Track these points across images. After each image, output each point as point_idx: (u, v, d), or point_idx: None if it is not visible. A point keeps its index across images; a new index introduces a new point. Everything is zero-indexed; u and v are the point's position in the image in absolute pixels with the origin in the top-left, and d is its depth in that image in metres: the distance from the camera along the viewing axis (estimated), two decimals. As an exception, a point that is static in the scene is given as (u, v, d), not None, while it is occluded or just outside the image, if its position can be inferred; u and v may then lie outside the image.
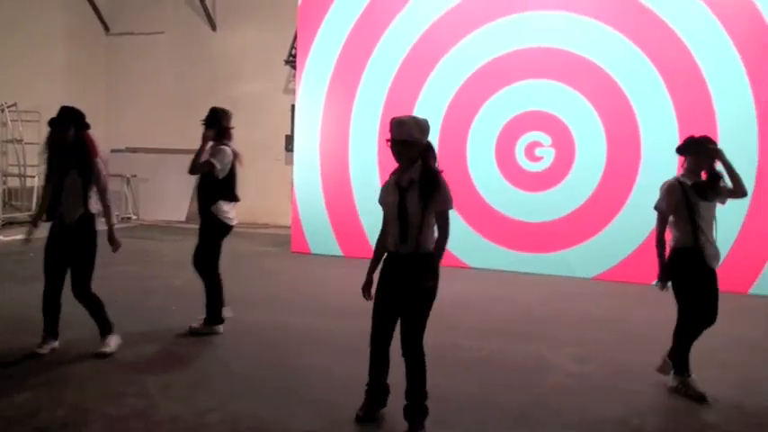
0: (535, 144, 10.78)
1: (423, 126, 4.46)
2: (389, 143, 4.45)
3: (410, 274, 4.42)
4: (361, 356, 4.78)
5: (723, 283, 5.60)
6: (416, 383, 4.52)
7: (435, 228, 4.50)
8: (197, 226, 7.16)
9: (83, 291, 5.89)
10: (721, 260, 5.64)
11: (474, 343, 6.72)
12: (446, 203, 4.44)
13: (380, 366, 4.68)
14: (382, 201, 4.61)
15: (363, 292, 4.69)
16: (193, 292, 8.54)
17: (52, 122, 5.83)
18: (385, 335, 4.60)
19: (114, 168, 16.69)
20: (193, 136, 16.52)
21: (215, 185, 6.79)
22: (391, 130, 4.44)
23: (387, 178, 4.61)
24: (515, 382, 5.62)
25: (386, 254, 4.62)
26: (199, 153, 6.79)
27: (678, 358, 5.53)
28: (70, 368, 5.65)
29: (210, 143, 6.87)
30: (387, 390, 4.75)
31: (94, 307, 5.99)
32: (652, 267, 10.08)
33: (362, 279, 4.71)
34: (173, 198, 16.38)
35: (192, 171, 6.83)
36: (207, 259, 6.94)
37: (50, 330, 5.97)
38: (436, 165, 4.50)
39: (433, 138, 4.58)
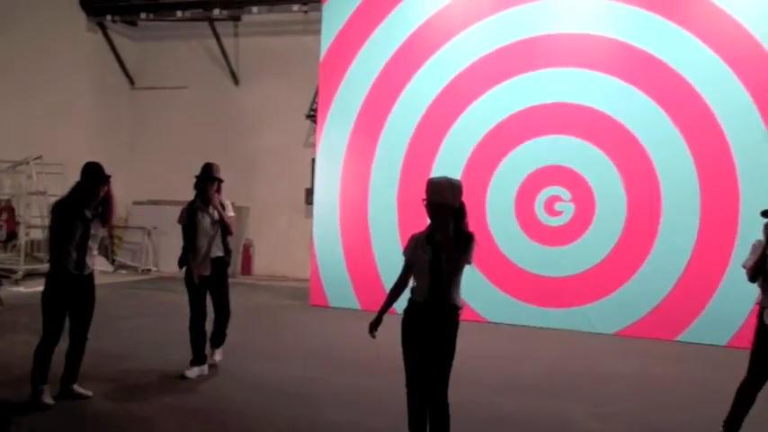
0: (555, 199, 10.78)
1: (457, 189, 4.64)
2: (425, 203, 4.60)
3: (438, 327, 4.59)
4: (382, 411, 4.73)
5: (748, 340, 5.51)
6: (443, 430, 4.62)
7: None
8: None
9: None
10: None
11: (493, 399, 6.64)
12: (471, 260, 4.62)
13: (422, 417, 4.71)
14: (409, 253, 4.75)
15: (371, 328, 4.81)
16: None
17: (105, 177, 6.07)
18: (422, 383, 4.67)
19: (136, 220, 16.89)
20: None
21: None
22: (427, 191, 4.60)
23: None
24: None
25: (411, 304, 4.73)
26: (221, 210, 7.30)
27: (730, 419, 5.43)
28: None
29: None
30: None
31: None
32: (673, 323, 10.08)
33: (380, 333, 4.72)
34: (193, 250, 16.41)
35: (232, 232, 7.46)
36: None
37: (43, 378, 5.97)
38: (466, 225, 4.66)
39: (462, 195, 4.69)
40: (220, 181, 7.48)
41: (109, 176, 6.08)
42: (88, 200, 5.96)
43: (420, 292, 4.66)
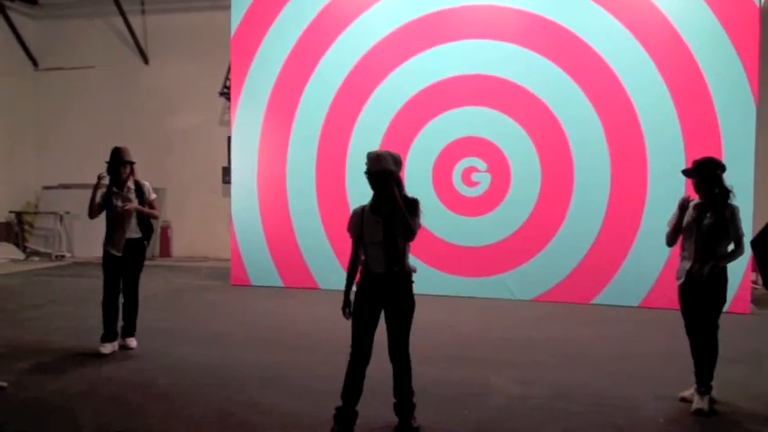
0: (472, 170, 10.92)
1: (398, 160, 4.84)
2: (367, 175, 4.77)
3: (397, 291, 4.91)
4: (308, 391, 4.74)
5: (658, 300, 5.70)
6: (407, 382, 5.01)
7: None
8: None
9: None
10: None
11: (416, 369, 6.71)
12: (418, 226, 4.93)
13: (357, 388, 4.91)
14: (355, 229, 4.92)
15: (343, 311, 4.96)
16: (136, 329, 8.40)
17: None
18: (366, 353, 4.91)
19: (47, 206, 16.39)
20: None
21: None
22: (368, 164, 4.77)
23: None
24: (459, 408, 5.64)
25: (366, 275, 4.92)
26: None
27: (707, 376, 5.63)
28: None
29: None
30: (355, 415, 4.93)
31: None
32: (588, 288, 10.40)
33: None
34: (108, 234, 16.04)
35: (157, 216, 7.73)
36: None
37: None
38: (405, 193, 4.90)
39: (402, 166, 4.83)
40: (132, 163, 7.42)
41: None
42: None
43: (376, 263, 4.84)
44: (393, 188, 4.74)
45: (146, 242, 7.49)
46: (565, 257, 10.47)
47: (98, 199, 7.23)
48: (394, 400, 5.04)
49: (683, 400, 5.76)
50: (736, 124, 9.78)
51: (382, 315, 4.97)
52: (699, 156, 9.58)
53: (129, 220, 7.26)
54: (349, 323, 4.96)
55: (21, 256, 15.79)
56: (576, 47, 10.42)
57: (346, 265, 5.08)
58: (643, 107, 10.17)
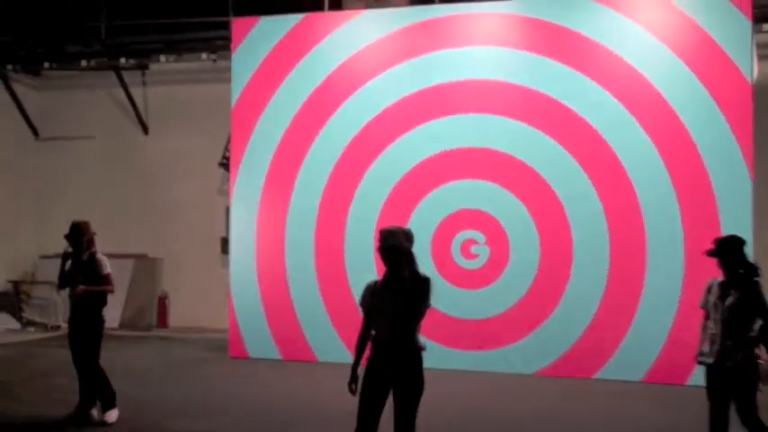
0: (470, 242, 10.93)
1: (410, 235, 4.99)
2: (379, 251, 4.88)
3: (406, 367, 4.84)
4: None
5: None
6: None
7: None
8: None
9: None
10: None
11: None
12: (427, 306, 4.93)
13: None
14: (366, 303, 4.95)
15: (349, 386, 4.94)
16: (127, 403, 8.29)
17: None
18: (373, 424, 4.85)
19: (44, 275, 16.30)
20: (126, 239, 16.37)
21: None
22: (381, 240, 4.89)
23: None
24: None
25: (375, 350, 4.90)
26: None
27: None
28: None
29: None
30: None
31: None
32: (590, 361, 10.33)
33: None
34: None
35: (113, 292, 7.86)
36: (96, 356, 7.61)
37: None
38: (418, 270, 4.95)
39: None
40: (91, 238, 7.81)
41: None
42: None
43: (382, 339, 4.85)
44: (403, 264, 4.84)
45: (97, 312, 7.63)
46: (566, 330, 10.41)
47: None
48: None
49: None
50: (733, 201, 9.85)
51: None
52: (697, 231, 9.77)
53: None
54: (351, 397, 4.92)
55: (17, 326, 15.65)
56: (573, 122, 10.55)
57: (344, 337, 5.15)
58: (641, 183, 10.24)
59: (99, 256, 7.66)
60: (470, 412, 8.24)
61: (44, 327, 15.64)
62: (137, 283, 16.31)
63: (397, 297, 4.81)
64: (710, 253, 5.72)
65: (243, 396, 9.00)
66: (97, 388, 7.52)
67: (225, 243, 14.28)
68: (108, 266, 7.64)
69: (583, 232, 10.44)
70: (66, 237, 7.67)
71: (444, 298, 10.76)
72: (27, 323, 15.94)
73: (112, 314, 15.76)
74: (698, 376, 9.54)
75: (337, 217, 11.34)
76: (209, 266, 15.77)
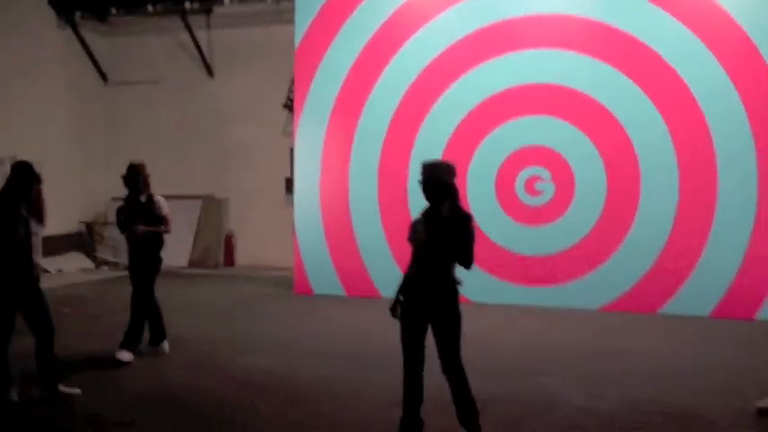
0: (535, 178, 10.81)
1: (452, 169, 4.90)
2: (421, 184, 4.83)
3: (440, 301, 4.83)
4: (374, 400, 4.73)
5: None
6: (465, 392, 4.88)
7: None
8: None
9: None
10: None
11: (482, 382, 6.64)
12: (472, 240, 4.93)
13: (415, 395, 4.93)
14: (411, 237, 4.95)
15: (391, 311, 5.02)
16: (199, 339, 8.55)
17: (37, 176, 6.03)
18: (417, 358, 4.91)
19: (114, 216, 16.74)
20: (193, 181, 16.68)
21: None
22: (423, 172, 4.84)
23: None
24: (525, 420, 5.57)
25: (411, 283, 4.93)
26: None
27: None
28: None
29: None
30: (421, 423, 4.95)
31: None
32: (656, 296, 10.19)
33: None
34: (174, 244, 16.30)
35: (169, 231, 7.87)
36: (145, 293, 7.66)
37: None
38: (460, 205, 4.89)
39: (456, 176, 4.89)
40: (148, 177, 7.83)
41: (39, 175, 6.03)
42: (22, 199, 5.89)
43: (420, 272, 4.85)
44: (442, 197, 4.79)
45: (154, 252, 7.74)
46: (632, 266, 10.26)
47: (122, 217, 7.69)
48: (456, 410, 4.94)
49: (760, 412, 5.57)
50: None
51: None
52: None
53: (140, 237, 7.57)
54: None
55: (91, 265, 16.18)
56: (641, 53, 10.23)
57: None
58: (712, 113, 9.91)
59: (157, 197, 7.74)
60: (533, 347, 8.24)
61: (116, 266, 16.12)
62: (204, 222, 16.66)
63: (435, 231, 4.77)
64: None
65: (309, 331, 9.18)
66: (139, 325, 7.57)
67: (289, 183, 14.42)
68: (167, 207, 7.74)
69: (651, 165, 10.20)
70: (123, 178, 7.71)
71: (509, 235, 10.78)
72: (100, 263, 16.45)
73: (181, 253, 16.23)
74: (767, 311, 9.50)
75: (401, 155, 11.30)
76: (275, 206, 15.98)
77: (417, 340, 4.87)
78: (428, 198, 4.84)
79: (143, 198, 7.63)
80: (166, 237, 7.81)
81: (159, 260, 7.76)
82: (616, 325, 9.39)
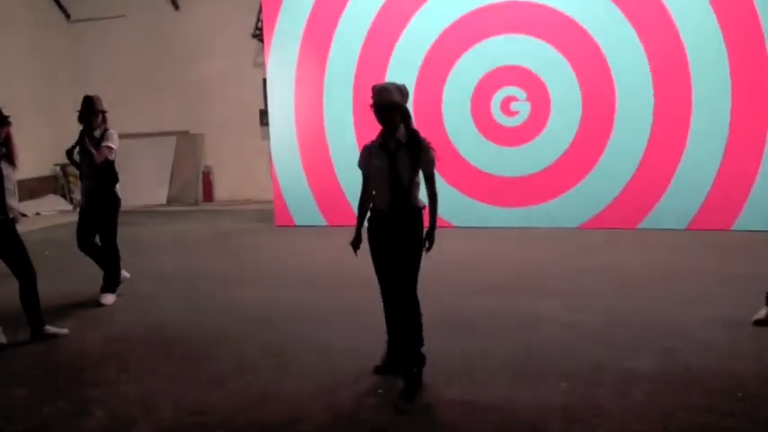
0: (510, 99, 10.76)
1: (404, 91, 4.66)
2: (373, 108, 4.63)
3: (403, 230, 4.67)
4: (353, 327, 4.78)
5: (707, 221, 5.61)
6: (414, 330, 4.73)
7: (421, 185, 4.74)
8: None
9: None
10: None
11: (464, 301, 6.76)
12: (433, 165, 4.67)
13: (397, 321, 4.84)
14: (365, 164, 4.78)
15: (353, 247, 4.92)
16: (182, 275, 8.56)
17: (4, 118, 5.86)
18: (392, 284, 4.78)
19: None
20: (165, 118, 16.46)
21: (112, 167, 7.36)
22: (374, 96, 4.62)
23: (364, 143, 4.74)
24: (509, 336, 5.66)
25: (374, 212, 4.79)
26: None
27: None
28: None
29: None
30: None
31: None
32: (634, 212, 10.28)
33: (347, 248, 4.82)
34: (151, 182, 16.27)
35: (99, 161, 7.19)
36: (113, 236, 7.33)
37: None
38: (414, 128, 4.69)
39: (408, 99, 4.70)
40: (104, 112, 7.34)
41: (7, 117, 5.85)
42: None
43: (381, 200, 4.71)
44: (397, 120, 4.60)
45: (107, 189, 7.32)
46: (608, 183, 10.35)
47: (74, 155, 7.39)
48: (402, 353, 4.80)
49: (758, 323, 5.65)
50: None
51: None
52: (744, 70, 9.48)
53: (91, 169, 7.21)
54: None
55: (68, 206, 16.07)
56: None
57: None
58: (686, 28, 9.84)
59: (111, 131, 7.28)
60: (515, 267, 8.34)
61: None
62: (180, 159, 16.54)
63: (393, 159, 4.61)
64: None
65: (291, 262, 9.22)
66: (115, 266, 7.37)
67: (264, 115, 14.28)
68: (113, 141, 7.21)
69: (626, 83, 10.17)
70: (78, 112, 7.24)
71: (486, 156, 10.79)
72: (77, 204, 16.34)
73: (159, 191, 16.14)
74: (743, 221, 9.62)
75: (375, 79, 11.07)
76: (251, 139, 15.89)
77: (390, 266, 4.75)
78: (382, 122, 4.65)
79: (97, 133, 7.23)
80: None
81: (117, 199, 7.39)
82: (596, 242, 9.51)
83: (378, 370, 4.95)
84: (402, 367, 4.76)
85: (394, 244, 4.68)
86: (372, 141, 4.75)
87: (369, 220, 4.83)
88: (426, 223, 4.75)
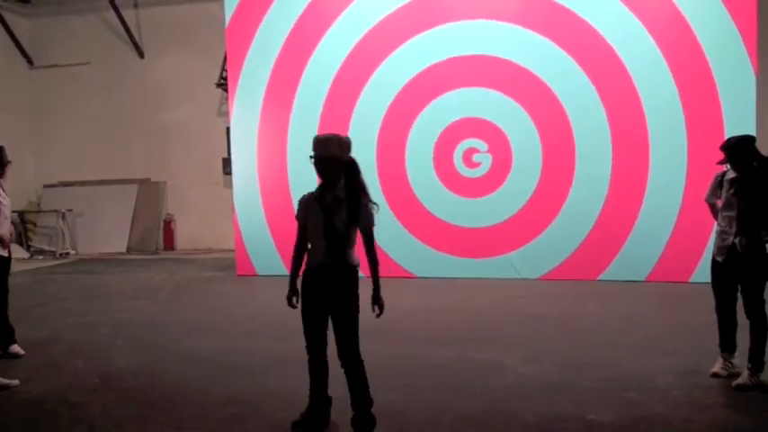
0: (472, 150, 10.90)
1: (345, 144, 4.55)
2: (312, 160, 4.55)
3: (338, 287, 4.54)
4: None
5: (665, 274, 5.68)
6: (360, 391, 4.61)
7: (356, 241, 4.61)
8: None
9: None
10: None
11: (423, 351, 6.73)
12: (371, 223, 4.57)
13: (319, 373, 4.77)
14: (301, 216, 4.70)
15: (288, 300, 4.78)
16: (141, 323, 8.43)
17: None
18: (319, 343, 4.69)
19: (48, 204, 16.40)
20: (128, 165, 16.39)
21: None
22: (315, 148, 4.56)
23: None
24: (471, 387, 5.64)
25: (308, 266, 4.67)
26: None
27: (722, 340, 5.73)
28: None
29: None
30: (328, 401, 4.85)
31: None
32: (594, 264, 10.39)
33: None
34: (111, 230, 16.11)
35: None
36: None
37: None
38: (363, 179, 4.57)
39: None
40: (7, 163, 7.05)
41: None
42: None
43: (316, 255, 4.58)
44: (336, 175, 4.51)
45: None
46: (569, 235, 10.47)
47: None
48: (352, 413, 4.66)
49: (715, 375, 5.69)
50: (737, 95, 9.76)
51: None
52: (700, 124, 9.72)
53: None
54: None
55: (25, 254, 15.79)
56: (569, 21, 10.37)
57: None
58: (640, 76, 10.13)
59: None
60: (475, 317, 8.35)
61: (53, 254, 15.78)
62: (141, 207, 16.42)
63: (329, 214, 4.49)
64: (723, 162, 5.60)
65: (253, 311, 9.14)
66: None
67: (227, 163, 14.27)
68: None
69: (585, 135, 10.37)
70: None
71: (448, 207, 10.86)
72: (35, 252, 16.09)
73: (119, 239, 15.97)
74: (700, 273, 9.75)
75: (339, 127, 11.14)
76: (213, 188, 15.87)
77: (321, 327, 4.66)
78: (320, 175, 4.56)
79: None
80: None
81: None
82: (556, 293, 9.57)
83: (295, 425, 4.80)
84: (355, 430, 4.63)
85: (327, 301, 4.57)
86: (309, 194, 4.66)
87: (303, 273, 4.71)
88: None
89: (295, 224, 4.78)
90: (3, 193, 6.87)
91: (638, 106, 10.13)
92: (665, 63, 9.99)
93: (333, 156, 4.49)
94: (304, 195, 4.70)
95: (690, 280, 9.80)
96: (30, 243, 16.34)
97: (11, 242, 6.85)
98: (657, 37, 10.02)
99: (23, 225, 16.44)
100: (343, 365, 4.59)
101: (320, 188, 4.61)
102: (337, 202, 4.50)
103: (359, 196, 4.51)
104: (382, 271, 4.67)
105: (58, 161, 16.78)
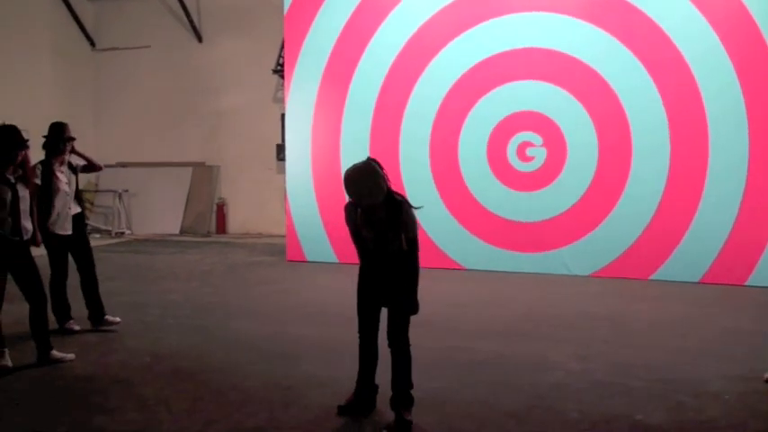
0: (527, 144, 10.78)
1: (379, 174, 4.51)
2: (356, 200, 4.60)
3: (395, 289, 4.70)
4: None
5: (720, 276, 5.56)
6: (403, 372, 4.72)
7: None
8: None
9: None
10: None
11: (473, 345, 6.69)
12: (413, 231, 4.64)
13: (368, 359, 4.89)
14: (352, 226, 4.76)
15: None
16: (191, 304, 8.56)
17: (23, 141, 5.93)
18: (372, 329, 4.83)
19: (105, 184, 16.71)
20: (183, 148, 16.59)
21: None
22: (353, 194, 4.55)
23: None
24: (516, 383, 5.59)
25: (361, 266, 4.87)
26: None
27: None
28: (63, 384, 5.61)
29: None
30: (374, 388, 4.94)
31: None
32: (647, 263, 10.20)
33: (353, 286, 4.85)
34: (166, 211, 16.36)
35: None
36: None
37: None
38: (390, 189, 4.58)
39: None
40: (72, 139, 7.34)
41: (26, 140, 5.93)
42: (7, 164, 5.82)
43: (370, 265, 4.79)
44: (381, 210, 4.57)
45: (85, 214, 7.55)
46: (623, 232, 10.26)
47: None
48: (391, 393, 4.78)
49: None
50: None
51: None
52: (763, 126, 9.45)
53: (71, 197, 7.23)
54: None
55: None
56: (631, 15, 10.12)
57: None
58: (702, 74, 9.81)
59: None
60: (525, 312, 8.27)
61: (108, 233, 16.09)
62: (195, 190, 16.64)
63: (378, 235, 4.65)
64: None
65: (301, 297, 9.20)
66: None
67: (281, 150, 14.36)
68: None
69: (642, 131, 10.13)
70: (57, 138, 7.17)
71: (500, 201, 10.77)
72: (92, 230, 16.40)
73: (173, 221, 16.21)
74: (758, 276, 9.51)
75: (393, 119, 11.26)
76: (266, 173, 15.97)
77: (374, 315, 4.83)
78: (364, 210, 4.63)
79: (72, 160, 7.31)
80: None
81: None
82: (608, 291, 9.42)
83: (342, 410, 4.88)
84: (394, 410, 4.71)
85: (382, 300, 4.76)
86: (353, 205, 4.69)
87: (359, 273, 4.87)
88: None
89: (342, 211, 4.86)
90: (61, 169, 6.97)
91: (699, 105, 9.84)
92: (729, 62, 9.69)
93: (377, 199, 4.51)
94: (349, 204, 4.75)
95: (746, 283, 9.57)
96: (87, 222, 16.65)
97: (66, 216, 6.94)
98: (723, 36, 9.71)
99: (81, 203, 16.73)
100: (390, 345, 4.74)
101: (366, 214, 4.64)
102: (381, 222, 4.60)
103: (399, 211, 4.57)
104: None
105: (117, 142, 17.07)
